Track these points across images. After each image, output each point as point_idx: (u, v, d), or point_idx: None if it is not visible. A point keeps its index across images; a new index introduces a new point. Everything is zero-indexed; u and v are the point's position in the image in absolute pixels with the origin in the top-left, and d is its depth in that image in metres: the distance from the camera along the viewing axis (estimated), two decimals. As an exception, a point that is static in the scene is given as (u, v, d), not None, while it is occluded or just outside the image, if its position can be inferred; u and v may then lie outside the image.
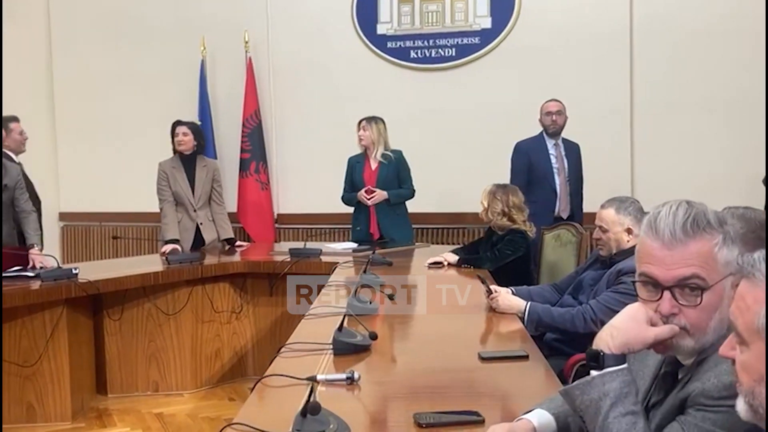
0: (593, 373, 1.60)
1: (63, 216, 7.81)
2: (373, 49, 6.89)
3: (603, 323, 3.10)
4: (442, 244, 6.39)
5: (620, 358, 1.59)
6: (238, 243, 5.82)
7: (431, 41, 6.75)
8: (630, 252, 3.23)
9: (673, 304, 1.56)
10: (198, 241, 5.60)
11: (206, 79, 7.21)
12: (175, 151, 5.61)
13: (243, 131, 7.06)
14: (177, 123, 5.72)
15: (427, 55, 6.77)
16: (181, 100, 7.22)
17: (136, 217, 7.32)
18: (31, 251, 4.84)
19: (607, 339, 1.61)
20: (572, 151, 5.69)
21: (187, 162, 5.58)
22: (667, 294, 1.57)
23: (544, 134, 5.66)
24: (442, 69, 6.75)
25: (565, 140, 5.69)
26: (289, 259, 5.07)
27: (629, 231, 3.32)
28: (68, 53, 7.66)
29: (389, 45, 6.85)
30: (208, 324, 5.04)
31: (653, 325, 1.58)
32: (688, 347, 1.58)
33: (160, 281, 4.79)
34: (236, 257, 5.38)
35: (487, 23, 6.62)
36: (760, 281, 1.16)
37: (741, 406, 1.22)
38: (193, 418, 4.51)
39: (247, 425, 1.94)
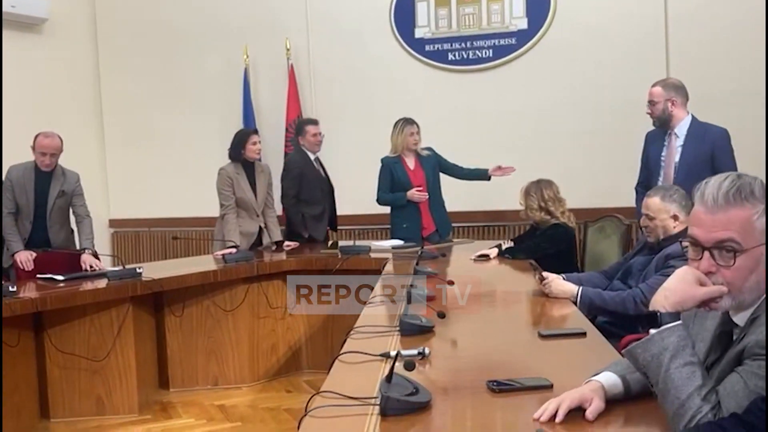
0: (652, 331, 1.77)
1: (113, 223, 8.09)
2: (411, 53, 7.07)
3: (651, 306, 3.27)
4: (483, 240, 6.54)
5: (675, 317, 1.76)
6: (286, 243, 6.01)
7: (468, 43, 6.92)
8: (677, 237, 3.39)
9: (711, 263, 1.74)
10: (258, 244, 5.83)
11: (249, 87, 7.45)
12: (234, 158, 5.77)
13: (286, 136, 7.27)
14: (252, 131, 5.99)
15: (465, 56, 6.95)
16: (225, 108, 7.49)
17: (182, 222, 7.58)
18: (83, 255, 5.12)
19: (661, 300, 1.78)
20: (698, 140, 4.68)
21: (249, 168, 5.79)
22: (706, 254, 1.74)
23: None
24: (480, 70, 6.92)
25: (694, 129, 4.70)
26: (339, 256, 5.25)
27: (675, 217, 3.46)
28: (115, 67, 7.96)
29: (427, 48, 7.03)
30: (264, 320, 5.24)
31: (702, 285, 1.75)
32: (727, 304, 1.75)
33: (219, 279, 5.00)
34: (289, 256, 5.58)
35: (523, 24, 6.77)
36: None
37: None
38: (254, 409, 4.71)
39: (335, 392, 2.12)
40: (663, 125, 4.71)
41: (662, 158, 4.73)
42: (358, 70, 7.22)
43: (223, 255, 5.29)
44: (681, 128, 4.65)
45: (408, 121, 5.85)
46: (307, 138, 6.08)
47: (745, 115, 6.20)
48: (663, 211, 3.48)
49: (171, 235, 7.40)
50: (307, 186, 6.00)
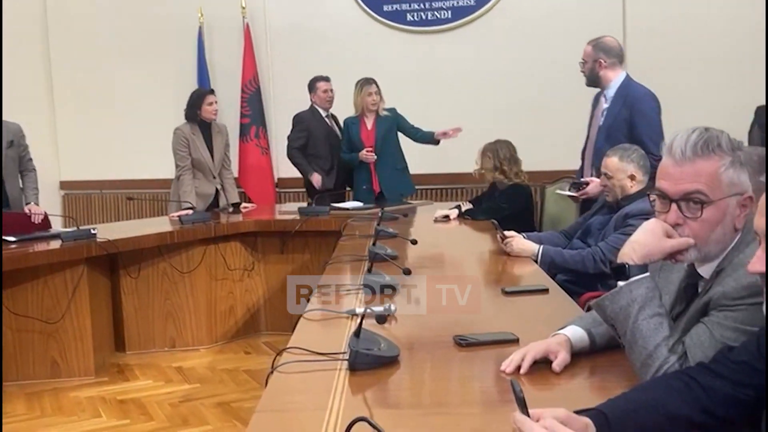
0: (620, 283, 1.79)
1: (64, 185, 7.91)
2: (368, 12, 7.00)
3: (612, 263, 3.35)
4: (442, 202, 6.55)
5: (643, 269, 1.78)
6: (243, 205, 5.95)
7: (427, 4, 6.87)
8: (636, 197, 3.44)
9: (679, 216, 1.76)
10: (215, 206, 5.76)
11: (204, 46, 7.30)
12: (190, 118, 5.66)
13: (242, 97, 7.17)
14: (208, 91, 5.87)
15: (423, 17, 6.90)
16: (180, 68, 7.34)
17: (136, 184, 7.44)
18: (27, 206, 5.02)
19: (630, 252, 1.80)
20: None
21: (205, 128, 5.70)
22: (674, 206, 1.76)
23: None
24: (439, 31, 6.88)
25: (620, 91, 4.46)
26: (298, 218, 5.23)
27: (633, 177, 3.50)
28: (64, 25, 7.70)
29: (385, 8, 6.97)
30: (222, 282, 5.20)
31: (669, 237, 1.77)
32: (693, 256, 1.77)
33: (175, 240, 4.93)
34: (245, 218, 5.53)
35: (482, -16, 6.74)
36: None
37: None
38: (212, 370, 4.69)
39: (302, 348, 2.11)
40: (593, 85, 4.57)
41: (592, 121, 4.61)
42: (315, 29, 7.11)
43: (179, 216, 5.22)
44: (610, 90, 4.45)
45: (367, 81, 5.80)
46: (318, 94, 6.05)
47: (701, 83, 6.30)
48: (621, 170, 3.52)
49: (125, 197, 7.26)
50: (314, 142, 5.98)
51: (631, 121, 4.27)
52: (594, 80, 4.51)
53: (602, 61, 4.44)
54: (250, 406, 4.08)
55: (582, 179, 4.41)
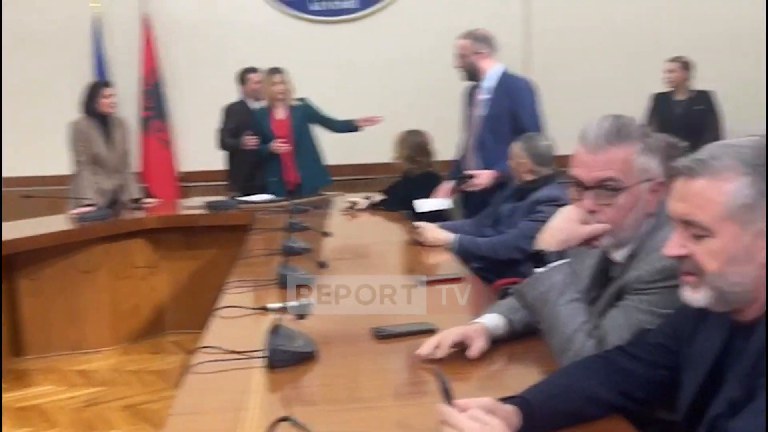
0: (539, 270, 1.80)
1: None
2: (271, 2, 6.89)
3: (523, 250, 3.41)
4: (353, 193, 6.51)
5: (561, 255, 1.80)
6: (145, 200, 5.77)
7: (331, -7, 6.83)
8: (543, 183, 3.50)
9: (593, 202, 1.79)
10: (116, 202, 5.54)
11: (99, 37, 7.02)
12: (87, 112, 5.43)
13: (142, 89, 6.95)
14: (105, 83, 5.63)
15: (329, 7, 6.84)
16: (75, 60, 7.02)
17: (31, 181, 7.08)
18: None
19: (548, 239, 1.82)
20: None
21: (103, 122, 5.48)
22: (588, 193, 1.79)
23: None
24: (345, 21, 6.85)
25: (500, 82, 4.52)
26: (205, 212, 5.10)
27: (523, 164, 3.57)
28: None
29: (289, -3, 6.89)
30: (125, 280, 5.01)
31: (585, 223, 1.79)
32: (608, 241, 1.81)
33: (75, 239, 4.73)
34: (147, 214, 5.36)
35: (387, -26, 6.74)
36: (718, 175, 1.31)
37: (702, 294, 1.36)
38: (118, 372, 4.53)
39: (216, 347, 2.04)
40: (472, 78, 4.55)
41: (471, 113, 4.59)
42: (218, 19, 6.95)
43: (79, 214, 5.01)
44: (488, 81, 4.45)
45: (272, 71, 5.70)
46: (249, 86, 5.99)
47: (601, 73, 6.48)
48: (518, 155, 3.61)
49: (21, 195, 6.91)
50: (243, 134, 5.78)
51: (513, 111, 4.32)
52: (473, 73, 4.50)
53: (482, 52, 4.45)
54: (159, 408, 3.98)
55: (467, 172, 4.43)
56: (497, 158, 4.19)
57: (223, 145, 6.04)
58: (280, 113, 5.70)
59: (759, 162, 1.29)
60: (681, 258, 1.37)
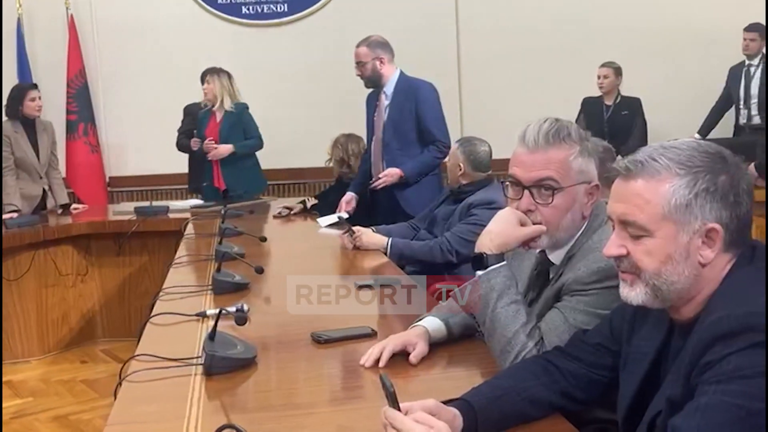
0: (478, 273, 1.81)
1: None
2: (201, 5, 6.79)
3: (458, 253, 3.44)
4: (286, 198, 6.48)
5: (500, 257, 1.81)
6: (73, 206, 5.62)
7: (262, -4, 6.78)
8: (478, 186, 3.54)
9: (531, 202, 1.81)
10: (42, 208, 5.38)
11: (24, 39, 6.81)
12: (12, 116, 5.25)
13: (68, 92, 6.76)
14: (30, 86, 5.46)
15: (259, 10, 6.78)
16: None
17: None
18: None
19: (487, 242, 1.83)
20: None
21: (28, 126, 5.31)
22: (526, 192, 1.81)
23: None
24: (276, 24, 6.80)
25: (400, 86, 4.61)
26: (135, 218, 5.00)
27: (459, 168, 3.61)
28: None
29: (219, 1, 6.79)
30: (53, 288, 4.88)
31: (523, 225, 1.82)
32: (545, 243, 1.83)
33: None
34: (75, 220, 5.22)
35: (318, -22, 6.72)
36: (656, 175, 1.33)
37: (638, 292, 1.37)
38: (47, 383, 4.40)
39: (152, 355, 2.00)
40: (373, 86, 4.53)
41: (375, 119, 4.56)
42: (146, 21, 6.80)
43: (3, 220, 4.84)
44: (389, 86, 4.45)
45: (205, 73, 5.61)
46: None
47: (532, 76, 6.57)
48: (454, 156, 3.66)
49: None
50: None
51: (416, 112, 4.35)
52: (375, 80, 4.48)
53: (382, 57, 4.44)
54: (90, 418, 3.89)
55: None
56: (403, 161, 4.32)
57: (178, 146, 5.97)
58: (219, 116, 5.62)
59: (694, 163, 1.33)
60: (619, 257, 1.39)
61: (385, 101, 4.47)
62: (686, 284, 1.33)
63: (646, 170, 1.34)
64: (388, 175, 4.31)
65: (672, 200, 1.32)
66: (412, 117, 4.36)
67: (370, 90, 4.63)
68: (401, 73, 4.51)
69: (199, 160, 5.79)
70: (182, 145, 5.96)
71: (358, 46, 4.51)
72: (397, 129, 4.39)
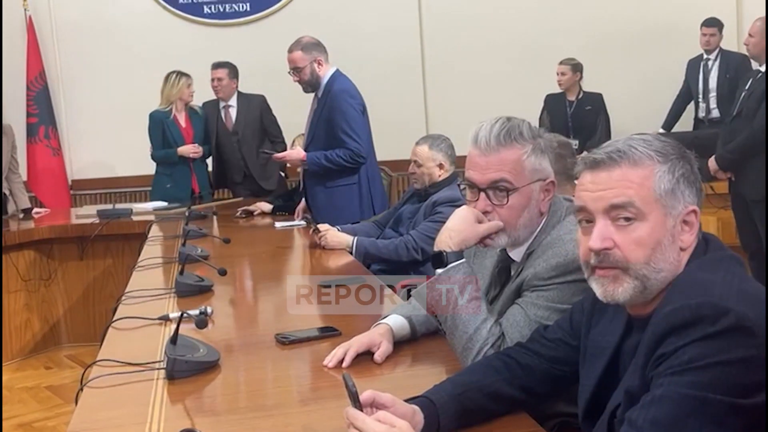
0: (438, 271, 1.82)
1: None
2: (163, 5, 6.72)
3: (423, 251, 3.45)
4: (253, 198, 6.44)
5: (459, 255, 1.83)
6: (35, 210, 5.55)
7: (224, -5, 6.73)
8: (443, 184, 3.54)
9: (487, 203, 1.83)
10: (3, 212, 5.28)
11: (-19, 40, 6.71)
12: None
13: (28, 95, 6.66)
14: None
15: (221, 10, 6.73)
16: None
17: None
18: None
19: (446, 240, 1.84)
20: None
21: None
22: (482, 194, 1.83)
23: None
24: (238, 24, 6.76)
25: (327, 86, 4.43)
26: (98, 221, 4.94)
27: (441, 166, 3.60)
28: None
29: (181, 1, 6.73)
30: (15, 294, 4.80)
31: (480, 222, 1.83)
32: (503, 241, 1.85)
33: (-41, 252, 4.51)
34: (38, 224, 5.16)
35: (280, -23, 6.68)
36: (640, 162, 1.34)
37: (625, 287, 1.34)
38: (10, 390, 4.34)
39: (113, 360, 1.98)
40: (312, 90, 4.32)
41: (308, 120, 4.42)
42: (106, 22, 6.71)
43: (-37, 227, 4.77)
44: (320, 89, 4.28)
45: (184, 74, 5.56)
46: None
47: (496, 72, 6.60)
48: (430, 159, 3.61)
49: None
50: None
51: (329, 117, 4.18)
52: (315, 83, 4.29)
53: (320, 59, 4.26)
54: (55, 425, 3.85)
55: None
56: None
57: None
58: (182, 118, 5.57)
59: (668, 151, 1.35)
60: (603, 252, 1.35)
61: (315, 104, 4.35)
62: (669, 273, 1.33)
63: (629, 158, 1.35)
64: (289, 154, 4.31)
65: (660, 185, 1.33)
66: (325, 122, 4.20)
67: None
68: (334, 72, 4.31)
69: (219, 160, 5.78)
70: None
71: (290, 51, 4.30)
72: (316, 133, 4.24)
